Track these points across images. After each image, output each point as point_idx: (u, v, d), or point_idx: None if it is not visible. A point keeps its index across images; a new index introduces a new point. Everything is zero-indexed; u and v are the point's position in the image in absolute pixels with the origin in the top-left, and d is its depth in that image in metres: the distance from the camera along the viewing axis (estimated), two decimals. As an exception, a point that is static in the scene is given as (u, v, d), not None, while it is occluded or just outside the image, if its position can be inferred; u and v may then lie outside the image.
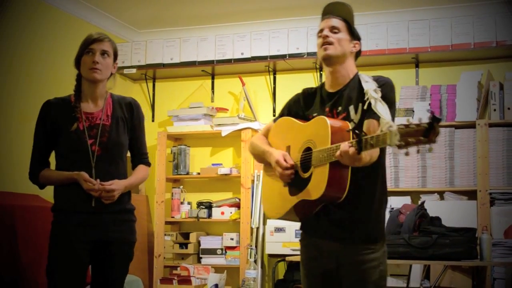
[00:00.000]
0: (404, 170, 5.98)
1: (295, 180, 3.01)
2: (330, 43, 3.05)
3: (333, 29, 3.07)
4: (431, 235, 4.67)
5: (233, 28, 6.77)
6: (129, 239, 3.52)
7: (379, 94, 2.83)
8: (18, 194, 5.04)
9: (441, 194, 5.91)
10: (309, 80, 6.67)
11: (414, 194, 5.99)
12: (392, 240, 4.73)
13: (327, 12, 3.15)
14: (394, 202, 5.78)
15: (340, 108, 3.02)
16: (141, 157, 3.65)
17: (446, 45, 5.98)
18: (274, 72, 6.81)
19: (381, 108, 2.75)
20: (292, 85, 6.70)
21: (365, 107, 2.85)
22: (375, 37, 6.13)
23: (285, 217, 3.17)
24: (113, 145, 3.44)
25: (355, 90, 3.02)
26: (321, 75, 6.60)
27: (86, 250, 3.38)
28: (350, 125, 2.84)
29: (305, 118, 3.14)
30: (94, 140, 3.41)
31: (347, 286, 3.00)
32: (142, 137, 3.65)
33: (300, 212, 3.06)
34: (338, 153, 2.70)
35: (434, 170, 5.92)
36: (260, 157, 3.26)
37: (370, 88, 2.88)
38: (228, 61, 6.62)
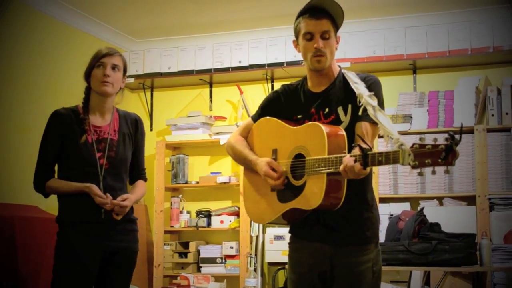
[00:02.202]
0: (403, 177, 5.98)
1: (285, 187, 2.91)
2: (323, 55, 2.90)
3: (324, 34, 2.90)
4: (431, 241, 4.67)
5: (231, 37, 6.78)
6: (133, 248, 3.58)
7: (376, 101, 2.75)
8: (18, 205, 5.03)
9: (440, 200, 5.91)
10: (307, 88, 6.67)
11: (413, 201, 5.99)
12: (391, 247, 4.73)
13: (312, 10, 2.94)
14: (393, 209, 5.78)
15: (327, 110, 2.92)
16: (140, 172, 3.71)
17: (444, 51, 5.99)
18: (272, 80, 6.81)
19: (383, 119, 2.67)
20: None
21: (360, 113, 2.79)
22: (373, 44, 6.14)
23: (272, 222, 3.06)
24: (120, 160, 3.50)
25: (341, 90, 2.92)
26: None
27: (95, 260, 3.39)
28: (342, 126, 2.81)
29: (289, 118, 3.03)
30: (102, 153, 3.44)
31: (341, 287, 2.91)
32: (143, 153, 3.72)
33: (289, 217, 2.98)
34: (342, 168, 2.58)
35: (433, 176, 5.91)
36: (243, 162, 3.13)
37: (364, 92, 2.79)
38: (226, 69, 6.63)
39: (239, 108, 6.76)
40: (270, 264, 6.36)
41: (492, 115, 5.83)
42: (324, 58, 2.90)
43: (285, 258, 5.97)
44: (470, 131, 5.84)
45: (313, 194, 2.74)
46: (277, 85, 6.75)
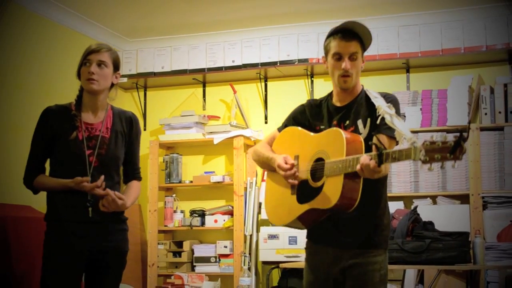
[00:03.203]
0: (396, 175, 5.99)
1: (305, 188, 3.06)
2: (350, 75, 3.09)
3: (352, 56, 3.08)
4: (424, 240, 4.68)
5: (224, 36, 6.78)
6: (123, 248, 3.52)
7: (393, 110, 2.89)
8: (10, 205, 5.02)
9: (433, 198, 5.92)
10: (301, 87, 6.68)
11: (407, 199, 6.00)
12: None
13: (343, 32, 3.09)
14: (401, 205, 5.79)
15: (348, 122, 3.10)
16: (134, 172, 3.66)
17: (437, 50, 6.01)
18: (265, 79, 6.81)
19: (399, 123, 2.80)
20: (284, 92, 6.72)
21: (378, 121, 2.95)
22: (366, 43, 6.13)
23: (290, 225, 3.20)
24: (110, 158, 3.45)
25: (363, 105, 3.10)
26: (312, 81, 6.61)
27: (82, 260, 3.36)
28: (361, 137, 2.96)
29: (312, 129, 3.20)
30: (92, 151, 3.41)
31: (348, 286, 3.08)
32: (137, 152, 3.66)
33: (306, 220, 3.11)
34: (358, 166, 2.74)
35: (427, 175, 5.93)
36: (265, 163, 3.30)
37: (382, 104, 2.94)
38: (219, 69, 6.63)
39: (232, 107, 6.76)
40: (264, 263, 6.35)
41: (485, 113, 5.85)
42: (350, 78, 3.09)
43: (279, 257, 6.04)
44: (464, 130, 5.84)
45: (330, 194, 2.90)
46: (270, 84, 6.79)
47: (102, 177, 3.33)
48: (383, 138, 2.95)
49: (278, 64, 6.44)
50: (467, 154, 5.80)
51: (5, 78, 5.56)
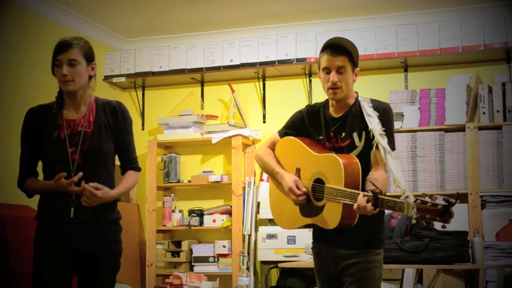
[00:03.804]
0: (395, 175, 5.98)
1: (307, 203, 3.25)
2: (338, 87, 3.21)
3: (339, 70, 3.20)
4: (423, 239, 4.68)
5: (222, 35, 6.77)
6: (114, 249, 3.44)
7: (386, 140, 3.09)
8: (8, 204, 5.01)
9: (432, 198, 5.91)
10: (299, 86, 6.68)
11: (405, 198, 5.99)
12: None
13: (330, 47, 3.24)
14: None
15: (343, 134, 3.25)
16: (130, 162, 3.52)
17: (435, 49, 6.01)
18: (264, 79, 6.81)
19: (392, 163, 3.03)
20: (282, 91, 6.71)
21: (373, 149, 3.12)
22: (364, 42, 6.14)
23: (297, 229, 3.44)
24: (94, 153, 3.35)
25: (357, 117, 3.23)
26: (310, 81, 6.61)
27: (67, 260, 3.31)
28: (355, 152, 3.16)
29: (312, 138, 3.37)
30: (75, 148, 3.33)
31: (351, 280, 3.20)
32: (130, 141, 3.52)
33: (310, 226, 3.33)
34: (355, 206, 2.91)
35: (425, 174, 5.93)
36: (270, 174, 3.47)
37: (376, 129, 3.11)
38: (217, 68, 6.62)
39: (230, 106, 6.76)
40: (263, 262, 6.35)
41: (484, 113, 5.84)
42: (339, 90, 3.22)
43: (278, 257, 6.04)
44: (462, 129, 5.85)
45: (331, 217, 3.12)
46: (268, 84, 6.78)
47: (80, 174, 3.25)
48: (380, 155, 3.10)
49: (276, 64, 6.43)
50: (465, 153, 5.81)
51: (5, 79, 5.55)
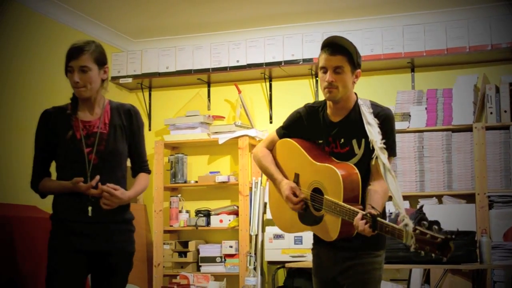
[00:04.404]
0: (402, 175, 5.98)
1: (305, 211, 3.19)
2: (335, 87, 3.11)
3: (336, 69, 3.10)
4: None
5: (228, 36, 6.78)
6: (128, 249, 3.49)
7: (386, 155, 2.98)
8: (16, 205, 5.02)
9: (439, 198, 5.91)
10: (305, 87, 6.68)
11: (413, 199, 5.99)
12: (391, 245, 4.70)
13: (328, 46, 3.14)
14: (392, 207, 5.74)
15: (343, 140, 3.17)
16: (141, 164, 3.60)
17: (441, 49, 5.99)
18: (270, 79, 6.81)
19: (392, 183, 2.91)
20: (288, 91, 6.71)
21: (373, 162, 3.05)
22: (370, 42, 6.13)
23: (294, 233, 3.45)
24: (110, 154, 3.41)
25: (356, 124, 3.14)
26: (316, 81, 6.61)
27: (83, 260, 3.35)
28: (355, 160, 3.10)
29: (310, 140, 3.28)
30: (91, 148, 3.38)
31: (350, 283, 3.16)
32: (142, 144, 3.59)
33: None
34: (354, 226, 2.85)
35: (432, 174, 5.92)
36: (268, 177, 3.41)
37: (376, 141, 3.02)
38: (224, 69, 6.63)
39: (237, 107, 6.76)
40: (270, 263, 6.35)
41: (491, 113, 5.83)
42: (335, 90, 3.11)
43: (285, 257, 6.03)
44: (469, 129, 5.84)
45: (330, 229, 3.05)
46: (275, 84, 6.78)
47: (97, 177, 3.30)
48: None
49: (283, 64, 6.43)
50: (473, 153, 5.80)
51: (9, 78, 5.56)
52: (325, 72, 3.13)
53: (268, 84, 6.82)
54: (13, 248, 4.54)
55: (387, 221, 2.78)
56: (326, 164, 3.10)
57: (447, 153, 5.90)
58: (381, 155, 2.98)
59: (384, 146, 3.02)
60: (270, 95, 6.80)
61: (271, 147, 3.44)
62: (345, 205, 2.92)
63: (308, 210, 3.18)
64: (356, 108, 3.18)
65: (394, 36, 6.12)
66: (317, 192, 3.13)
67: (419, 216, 4.91)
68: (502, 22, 5.86)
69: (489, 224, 5.62)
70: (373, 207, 2.89)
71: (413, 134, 5.98)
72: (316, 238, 3.32)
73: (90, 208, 3.32)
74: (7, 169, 5.37)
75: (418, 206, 5.30)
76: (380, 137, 3.04)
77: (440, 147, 5.92)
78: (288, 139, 3.35)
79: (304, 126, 3.31)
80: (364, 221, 2.82)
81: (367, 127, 3.08)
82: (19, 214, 4.76)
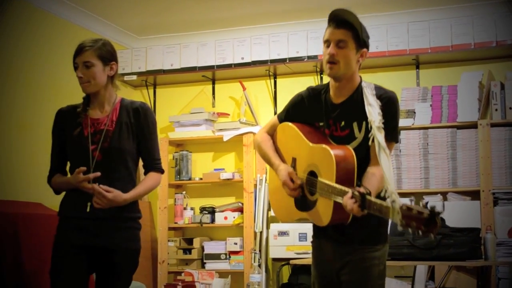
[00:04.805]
0: (406, 172, 5.98)
1: (302, 196, 3.10)
2: (336, 62, 2.99)
3: (339, 43, 2.99)
4: (435, 236, 4.66)
5: (233, 33, 6.78)
6: (132, 247, 3.46)
7: (383, 134, 2.85)
8: (21, 202, 5.04)
9: (444, 194, 5.90)
10: (310, 84, 6.62)
11: (417, 195, 5.99)
12: (396, 242, 4.73)
13: (333, 20, 3.04)
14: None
15: (343, 123, 3.05)
16: (152, 163, 3.55)
17: (446, 46, 5.99)
18: (275, 76, 6.81)
19: (385, 162, 2.78)
20: (293, 88, 6.62)
21: (370, 142, 2.91)
22: (375, 39, 6.12)
23: (294, 221, 3.31)
24: (114, 151, 3.39)
25: (358, 106, 3.01)
26: (321, 78, 6.60)
27: (83, 255, 3.33)
28: (354, 144, 2.97)
29: (311, 123, 3.18)
30: (96, 145, 3.38)
31: (347, 280, 3.06)
32: (153, 142, 3.56)
33: (307, 219, 3.17)
34: (343, 203, 2.74)
35: (437, 171, 5.92)
36: (268, 163, 3.31)
37: (374, 121, 2.89)
38: (229, 66, 6.63)
39: (242, 104, 6.76)
40: (274, 259, 6.36)
41: (496, 109, 5.82)
42: (336, 66, 2.99)
43: (289, 254, 6.04)
44: (474, 126, 5.84)
45: (323, 214, 2.95)
46: (280, 81, 6.78)
47: (97, 173, 3.30)
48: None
49: (288, 61, 6.43)
50: (478, 150, 5.80)
51: (14, 76, 5.57)
52: (328, 46, 3.01)
53: (272, 81, 6.82)
54: (18, 245, 4.56)
55: (375, 199, 2.67)
56: (321, 145, 3.00)
57: (452, 150, 5.90)
58: (377, 134, 2.85)
59: (382, 125, 2.89)
60: (275, 92, 6.80)
61: (271, 132, 3.35)
62: (336, 185, 2.80)
63: (304, 195, 3.08)
64: (359, 90, 3.05)
65: (399, 33, 6.11)
66: (312, 175, 3.02)
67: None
68: (507, 18, 5.85)
69: (493, 221, 5.62)
70: (362, 185, 2.79)
71: (418, 131, 5.98)
72: (315, 229, 3.23)
73: (89, 204, 3.31)
74: (13, 166, 5.38)
75: (422, 203, 5.28)
76: (380, 117, 2.91)
77: (445, 144, 5.91)
78: (288, 123, 3.24)
79: (305, 109, 3.19)
80: (353, 199, 2.71)
81: (367, 108, 2.95)
82: (24, 211, 4.78)
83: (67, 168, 3.50)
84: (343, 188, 2.77)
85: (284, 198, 3.20)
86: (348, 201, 2.72)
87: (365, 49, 3.07)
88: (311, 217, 3.06)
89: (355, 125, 3.01)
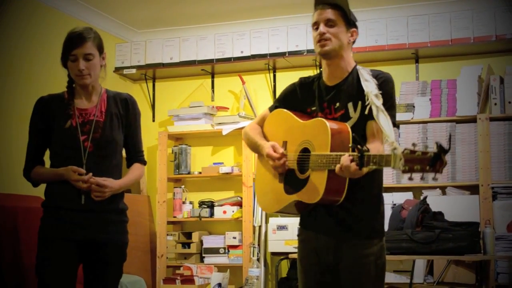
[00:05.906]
0: (405, 166, 5.96)
1: (291, 179, 3.00)
2: (327, 39, 2.96)
3: (328, 22, 2.98)
4: (434, 230, 4.66)
5: (232, 27, 6.77)
6: (121, 240, 3.43)
7: (381, 101, 2.82)
8: (20, 195, 5.03)
9: (443, 189, 5.91)
10: (309, 78, 6.66)
11: (416, 190, 5.98)
12: (395, 236, 4.73)
13: (320, 2, 3.04)
14: (396, 198, 5.77)
15: (338, 104, 2.99)
16: (137, 155, 3.55)
17: (446, 40, 5.98)
18: (274, 70, 6.80)
19: (384, 121, 2.75)
20: (292, 82, 6.69)
21: (366, 112, 2.86)
22: (375, 33, 6.12)
23: (280, 212, 3.15)
24: (106, 142, 3.36)
25: (353, 86, 2.98)
26: (321, 72, 6.58)
27: (74, 248, 3.30)
28: (349, 124, 2.88)
29: (303, 111, 3.11)
30: (87, 136, 3.33)
31: (345, 279, 2.97)
32: (138, 134, 3.55)
33: (296, 208, 3.05)
34: (338, 167, 2.67)
35: (436, 166, 5.90)
36: (255, 149, 3.23)
37: (371, 91, 2.86)
38: (228, 59, 6.62)
39: (241, 98, 6.76)
40: (273, 254, 6.37)
41: (495, 104, 5.82)
42: (328, 42, 2.96)
43: (288, 248, 6.04)
44: (473, 120, 5.83)
45: (315, 188, 2.84)
46: (279, 75, 6.77)
47: (90, 174, 3.26)
48: (377, 126, 2.85)
49: (287, 55, 6.42)
50: (477, 145, 5.79)
51: (15, 70, 5.57)
52: (317, 29, 3.00)
53: (272, 75, 6.81)
54: (17, 238, 4.56)
55: (374, 153, 2.60)
56: (315, 118, 2.96)
57: (451, 144, 5.89)
58: (374, 99, 2.82)
59: (380, 92, 2.85)
60: (274, 86, 6.80)
61: (262, 124, 3.28)
62: (331, 153, 2.73)
63: (294, 175, 2.97)
64: (354, 73, 3.01)
65: (399, 26, 6.11)
66: (305, 152, 2.93)
67: (422, 207, 4.92)
68: (507, 13, 5.84)
69: (492, 216, 5.62)
70: (359, 143, 2.67)
71: (417, 125, 5.97)
72: (302, 220, 3.13)
73: (83, 196, 3.28)
74: (10, 159, 5.37)
75: (422, 197, 5.29)
76: (377, 89, 2.88)
77: (444, 138, 5.90)
78: (279, 109, 3.19)
79: (297, 97, 3.15)
80: (350, 158, 2.63)
81: (363, 84, 2.91)
82: (23, 204, 4.78)
83: (57, 161, 3.39)
84: (338, 153, 2.71)
85: (272, 188, 3.10)
86: (345, 160, 2.64)
87: (354, 29, 3.06)
88: (301, 198, 2.91)
89: (350, 105, 2.95)
